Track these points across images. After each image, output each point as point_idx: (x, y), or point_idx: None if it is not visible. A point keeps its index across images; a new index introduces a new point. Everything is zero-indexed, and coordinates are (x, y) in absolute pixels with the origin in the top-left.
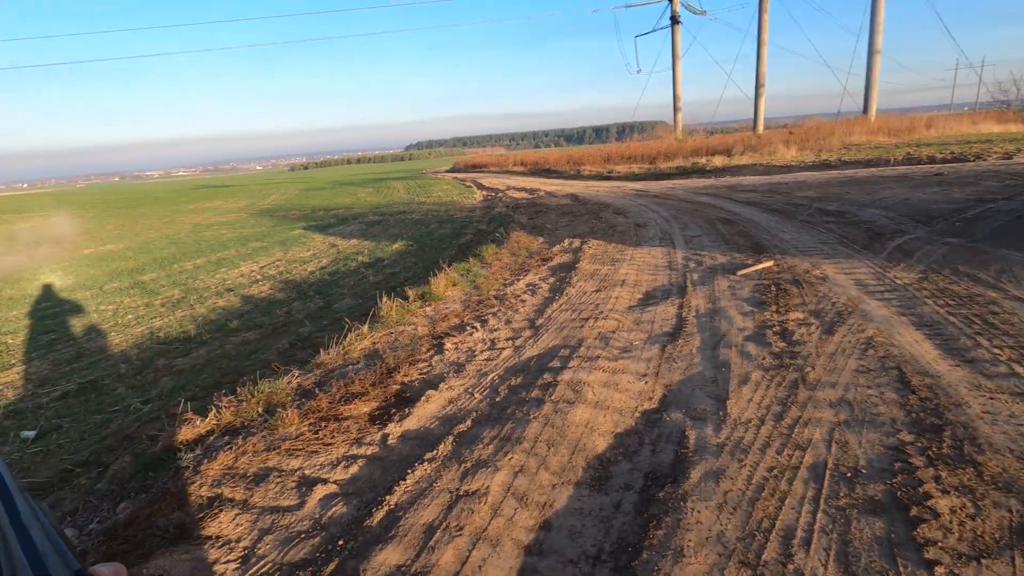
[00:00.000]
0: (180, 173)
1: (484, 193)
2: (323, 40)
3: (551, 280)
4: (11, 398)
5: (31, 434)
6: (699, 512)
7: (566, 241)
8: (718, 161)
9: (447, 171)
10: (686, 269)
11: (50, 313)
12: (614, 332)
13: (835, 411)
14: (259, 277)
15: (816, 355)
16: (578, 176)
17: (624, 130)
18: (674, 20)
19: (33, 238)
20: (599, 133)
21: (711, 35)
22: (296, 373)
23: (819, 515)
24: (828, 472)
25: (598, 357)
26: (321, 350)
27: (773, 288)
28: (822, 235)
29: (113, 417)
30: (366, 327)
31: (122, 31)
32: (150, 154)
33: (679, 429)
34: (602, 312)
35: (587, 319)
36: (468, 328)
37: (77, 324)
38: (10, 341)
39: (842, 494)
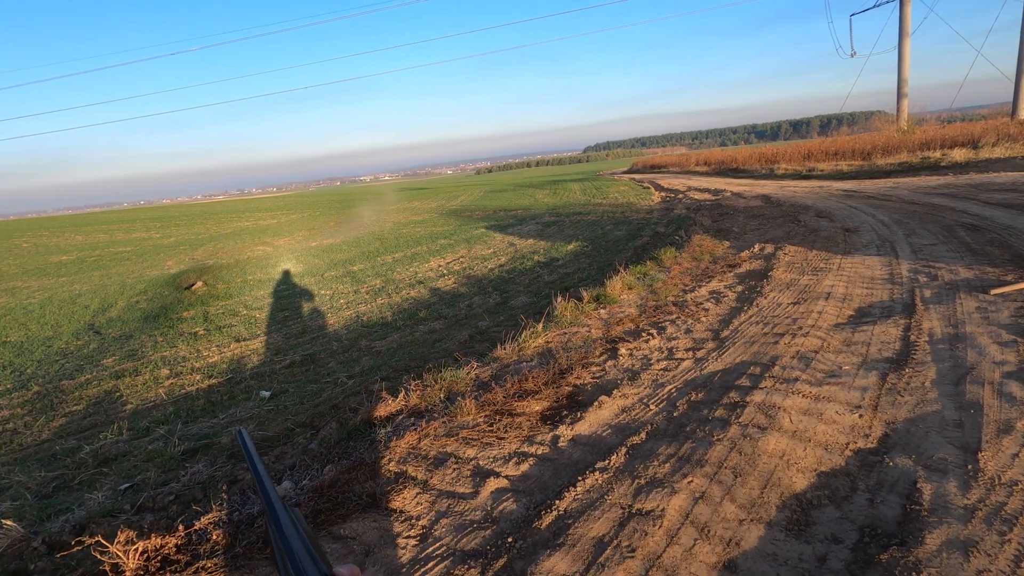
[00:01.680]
0: (386, 178)
1: (662, 194)
2: (509, 50)
3: (738, 288)
4: (255, 362)
5: (267, 394)
6: None
7: (756, 247)
8: (958, 155)
9: (624, 172)
10: (914, 284)
11: (285, 294)
12: (817, 352)
13: None
14: (445, 272)
15: None
16: (771, 175)
17: (830, 123)
18: None
19: (274, 235)
20: (797, 127)
21: (955, 5)
22: (475, 365)
23: None
24: None
25: (796, 380)
26: (498, 345)
27: None
28: None
29: (325, 387)
30: (540, 326)
31: (339, 58)
32: (363, 161)
33: (908, 479)
34: (801, 328)
35: (782, 335)
36: (644, 334)
37: (303, 305)
38: (257, 316)
39: None
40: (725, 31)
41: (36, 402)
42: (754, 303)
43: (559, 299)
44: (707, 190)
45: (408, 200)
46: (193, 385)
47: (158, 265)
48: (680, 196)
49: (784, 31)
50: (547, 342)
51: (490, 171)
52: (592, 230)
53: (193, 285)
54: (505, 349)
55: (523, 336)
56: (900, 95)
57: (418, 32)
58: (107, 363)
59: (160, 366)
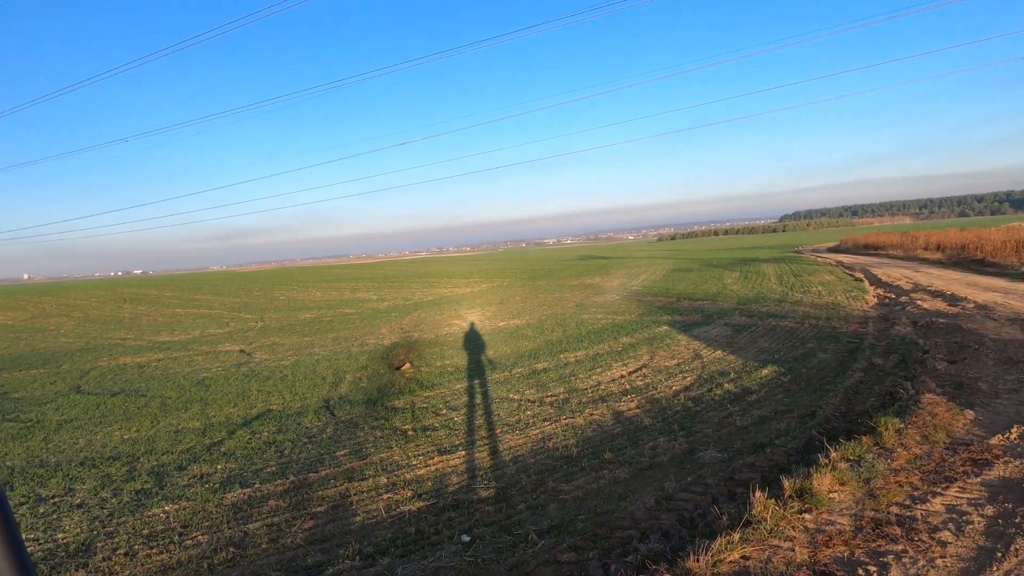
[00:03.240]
0: (568, 241)
1: (878, 292)
2: (704, 127)
3: (988, 511)
4: (455, 484)
5: (467, 539)
6: None
7: (1014, 430)
8: None
9: (829, 250)
10: None
11: (478, 390)
12: None
13: None
14: (628, 388)
15: None
16: None
17: None
18: None
19: (467, 307)
20: None
21: None
22: None
23: None
24: None
25: None
26: (690, 555)
27: None
28: None
29: (517, 542)
30: (737, 535)
31: (533, 142)
32: (548, 225)
33: None
34: None
35: None
36: (861, 572)
37: (494, 411)
38: (455, 419)
39: None
40: (967, 91)
41: (292, 494)
42: (1011, 548)
43: (758, 494)
44: (940, 294)
45: (590, 275)
46: (405, 504)
47: (374, 331)
48: (903, 300)
49: None
50: (743, 557)
51: (673, 238)
52: (790, 345)
53: (402, 366)
54: (699, 562)
55: (717, 544)
56: None
57: (615, 113)
58: (340, 456)
59: (379, 471)
